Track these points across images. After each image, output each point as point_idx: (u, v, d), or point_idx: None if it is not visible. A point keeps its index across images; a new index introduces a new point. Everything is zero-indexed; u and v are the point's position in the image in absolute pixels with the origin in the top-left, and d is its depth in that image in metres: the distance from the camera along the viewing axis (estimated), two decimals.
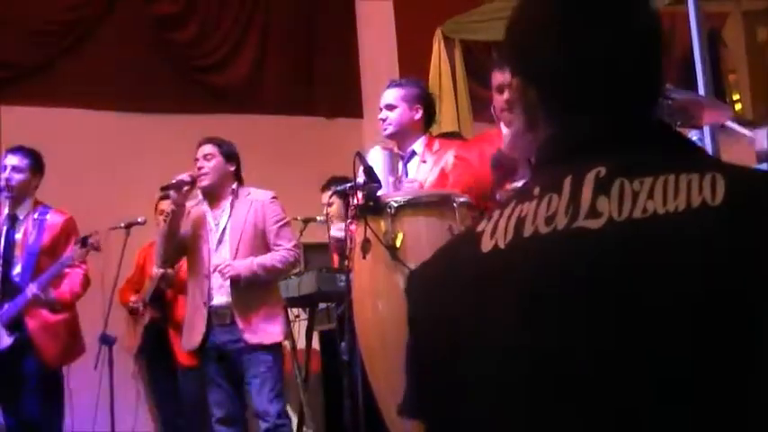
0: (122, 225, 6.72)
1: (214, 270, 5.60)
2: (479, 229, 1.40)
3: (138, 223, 6.77)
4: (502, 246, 1.34)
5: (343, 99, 8.93)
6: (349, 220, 4.69)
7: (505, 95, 4.87)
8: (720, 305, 1.19)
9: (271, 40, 9.08)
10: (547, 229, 1.31)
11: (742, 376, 1.19)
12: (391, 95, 5.28)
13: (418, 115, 5.24)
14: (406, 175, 5.14)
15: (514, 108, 1.51)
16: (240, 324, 5.53)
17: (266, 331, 5.60)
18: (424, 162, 5.13)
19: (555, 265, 1.29)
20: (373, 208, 4.37)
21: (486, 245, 1.36)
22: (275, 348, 5.67)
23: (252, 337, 5.53)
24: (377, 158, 4.98)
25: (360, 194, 4.51)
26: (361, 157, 4.63)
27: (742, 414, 1.19)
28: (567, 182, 1.33)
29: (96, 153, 7.87)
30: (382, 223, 4.30)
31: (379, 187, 4.54)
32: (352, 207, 4.61)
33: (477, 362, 1.32)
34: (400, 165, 5.18)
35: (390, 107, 5.23)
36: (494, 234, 1.36)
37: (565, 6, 1.45)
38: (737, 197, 1.24)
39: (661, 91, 1.49)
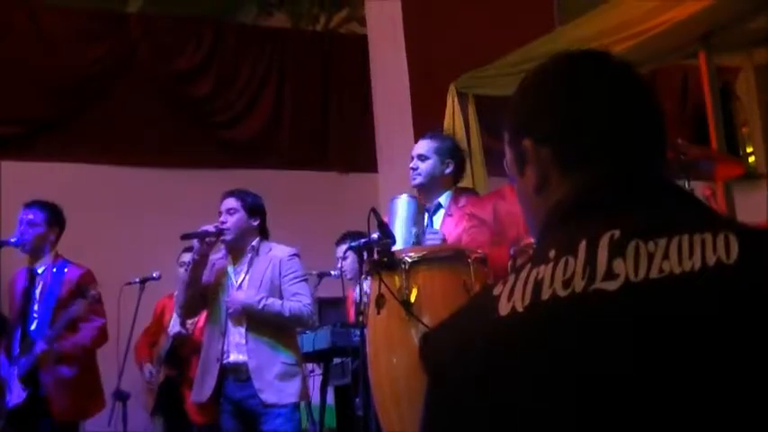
0: (137, 280, 6.70)
1: (227, 312, 5.55)
2: (496, 292, 1.38)
3: (153, 278, 6.75)
4: (520, 309, 1.33)
5: (358, 154, 8.98)
6: (363, 276, 4.66)
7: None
8: (738, 362, 1.19)
9: (286, 96, 9.14)
10: (565, 292, 1.30)
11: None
12: (425, 146, 5.30)
13: (449, 169, 5.27)
14: (432, 226, 5.13)
15: (518, 171, 1.53)
16: (256, 384, 5.45)
17: (283, 391, 5.51)
18: (450, 216, 5.14)
19: (575, 327, 1.28)
20: (388, 263, 4.35)
21: (504, 308, 1.34)
22: (291, 406, 5.56)
23: (268, 397, 5.45)
24: (402, 206, 4.97)
25: (374, 250, 4.50)
26: (375, 212, 4.62)
27: None
28: (583, 245, 1.33)
29: (113, 208, 7.89)
30: (396, 279, 4.28)
31: (394, 243, 4.52)
32: (367, 263, 4.60)
33: (497, 427, 1.30)
34: (426, 216, 5.16)
35: (422, 158, 5.25)
36: (511, 297, 1.35)
37: (576, 74, 1.50)
38: (752, 255, 1.24)
39: (666, 149, 1.50)
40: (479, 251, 4.47)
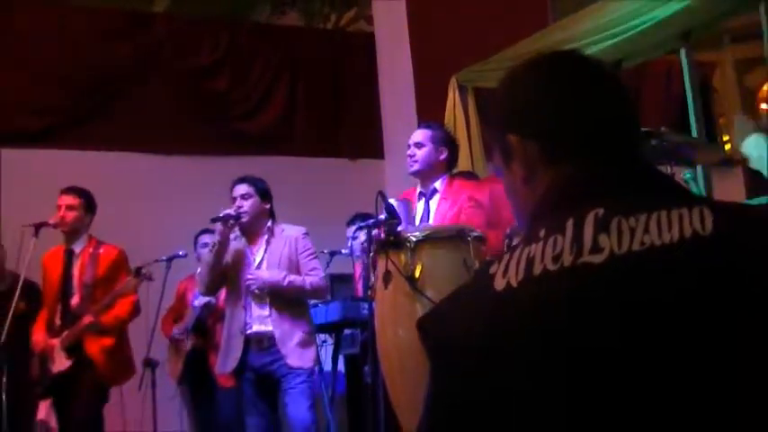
0: (164, 258, 6.71)
1: (246, 289, 5.59)
2: (492, 270, 1.39)
3: (180, 256, 6.76)
4: (514, 284, 1.34)
5: (366, 142, 8.97)
6: (372, 254, 4.66)
7: None
8: (714, 323, 1.21)
9: (298, 89, 9.15)
10: (555, 266, 1.32)
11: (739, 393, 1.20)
12: (420, 135, 5.29)
13: (443, 156, 5.26)
14: (427, 210, 5.14)
15: (505, 164, 1.53)
16: (282, 350, 5.52)
17: (302, 356, 5.58)
18: (445, 200, 5.13)
19: (564, 298, 1.29)
20: (394, 242, 4.37)
21: (500, 284, 1.36)
22: (309, 370, 5.64)
23: (293, 362, 5.53)
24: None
25: (382, 230, 4.50)
26: (383, 195, 4.63)
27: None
28: (570, 223, 1.35)
29: (140, 192, 7.89)
30: (402, 256, 4.29)
31: (400, 224, 4.53)
32: (375, 242, 4.60)
33: (496, 393, 1.31)
34: (422, 202, 5.18)
35: (419, 145, 5.25)
36: (506, 274, 1.36)
37: (557, 73, 1.51)
38: (725, 226, 1.26)
39: (641, 137, 1.53)
40: (477, 230, 4.48)
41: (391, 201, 4.96)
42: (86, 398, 6.02)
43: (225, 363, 5.71)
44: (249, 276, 5.58)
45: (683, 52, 6.42)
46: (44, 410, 6.34)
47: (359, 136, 9.03)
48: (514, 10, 7.04)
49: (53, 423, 6.39)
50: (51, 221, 6.07)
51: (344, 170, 8.88)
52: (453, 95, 7.43)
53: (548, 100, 1.49)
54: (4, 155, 8.05)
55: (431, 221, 5.07)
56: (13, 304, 6.01)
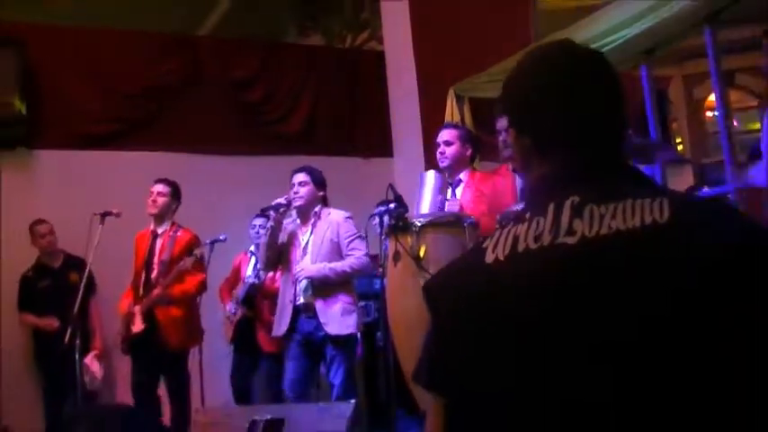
0: (207, 242, 6.69)
1: (295, 275, 5.53)
2: (484, 245, 1.43)
3: (220, 240, 6.73)
4: (501, 258, 1.38)
5: (377, 143, 8.93)
6: (384, 236, 4.61)
7: (502, 137, 4.92)
8: (668, 297, 1.22)
9: (321, 98, 9.12)
10: (535, 245, 1.36)
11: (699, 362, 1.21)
12: (449, 134, 5.22)
13: (468, 152, 5.19)
14: (455, 196, 5.05)
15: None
16: (321, 318, 5.42)
17: (343, 323, 5.46)
18: (469, 188, 5.06)
19: (542, 272, 1.32)
20: (402, 227, 4.34)
21: (490, 257, 1.40)
22: (350, 337, 5.54)
23: (331, 329, 5.41)
24: (431, 179, 4.93)
25: (392, 216, 4.45)
26: (392, 187, 4.58)
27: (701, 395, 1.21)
28: (551, 208, 1.38)
29: (189, 187, 7.87)
30: (409, 239, 4.28)
31: (406, 211, 4.48)
32: (386, 226, 4.55)
33: (486, 348, 1.35)
34: (449, 189, 5.11)
35: (448, 143, 5.16)
36: (495, 249, 1.40)
37: (551, 72, 1.48)
38: (680, 215, 1.28)
39: (625, 135, 1.50)
40: (472, 217, 4.43)
41: (431, 173, 4.95)
42: (166, 372, 6.19)
43: (278, 328, 5.63)
44: (297, 269, 5.51)
45: (643, 68, 6.38)
46: (90, 357, 6.76)
47: (371, 138, 8.99)
48: (503, 29, 6.99)
49: (95, 368, 6.84)
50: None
51: (359, 167, 8.84)
52: (451, 104, 7.43)
53: (539, 99, 1.47)
54: (77, 156, 8.03)
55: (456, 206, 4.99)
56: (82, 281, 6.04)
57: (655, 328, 1.22)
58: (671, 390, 1.20)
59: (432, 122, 6.55)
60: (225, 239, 6.78)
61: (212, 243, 6.72)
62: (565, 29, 5.98)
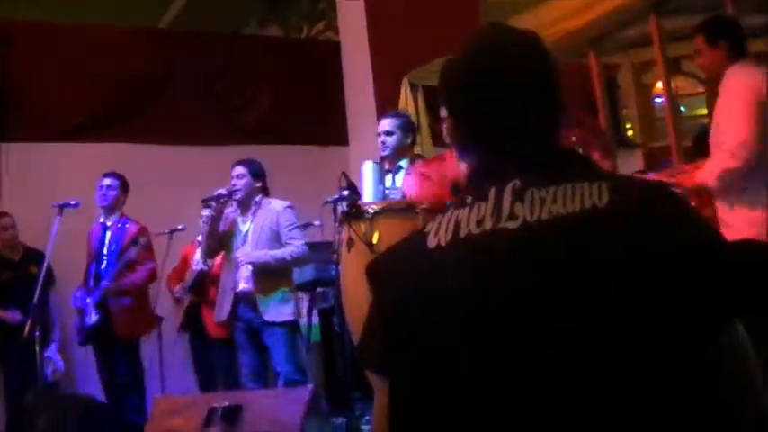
0: (166, 231, 6.65)
1: (233, 260, 5.59)
2: (427, 229, 1.41)
3: (179, 230, 6.70)
4: (443, 243, 1.36)
5: (334, 132, 8.93)
6: (337, 224, 4.60)
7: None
8: (605, 278, 1.22)
9: (280, 89, 9.09)
10: (477, 229, 1.34)
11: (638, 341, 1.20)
12: (389, 124, 5.25)
13: (409, 140, 5.24)
14: (394, 184, 5.09)
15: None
16: (260, 306, 5.49)
17: (279, 311, 5.53)
18: (409, 175, 5.05)
19: (484, 257, 1.31)
20: (355, 214, 4.32)
21: (432, 242, 1.38)
22: (289, 324, 5.59)
23: (269, 316, 5.49)
24: (369, 170, 4.97)
25: (345, 204, 4.44)
26: (345, 175, 4.57)
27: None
28: (492, 193, 1.35)
29: (154, 177, 7.82)
30: (362, 225, 4.26)
31: (360, 198, 4.47)
32: (340, 213, 4.54)
33: (429, 333, 1.33)
34: (389, 176, 5.15)
35: (389, 133, 5.19)
36: (437, 234, 1.38)
37: (485, 57, 1.44)
38: (618, 200, 1.27)
39: (561, 118, 1.46)
40: (426, 203, 4.43)
41: (368, 164, 4.98)
42: (120, 362, 6.18)
43: (219, 313, 5.71)
44: (239, 255, 5.56)
45: (592, 56, 6.42)
46: (51, 349, 6.76)
47: (328, 127, 9.00)
48: (454, 18, 6.98)
49: (58, 360, 6.81)
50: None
51: (316, 155, 8.81)
52: (405, 92, 7.45)
53: (472, 85, 1.44)
54: (40, 149, 7.96)
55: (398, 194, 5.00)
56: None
57: (599, 313, 1.21)
58: (617, 376, 1.19)
59: (387, 111, 6.54)
60: (184, 229, 6.76)
61: (171, 233, 6.69)
62: (513, 17, 6.00)
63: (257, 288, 5.53)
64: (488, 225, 1.33)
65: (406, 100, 7.40)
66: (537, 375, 1.22)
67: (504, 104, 1.41)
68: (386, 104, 7.49)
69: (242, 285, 5.56)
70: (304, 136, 8.95)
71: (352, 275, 4.38)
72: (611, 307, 1.21)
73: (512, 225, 1.31)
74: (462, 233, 1.34)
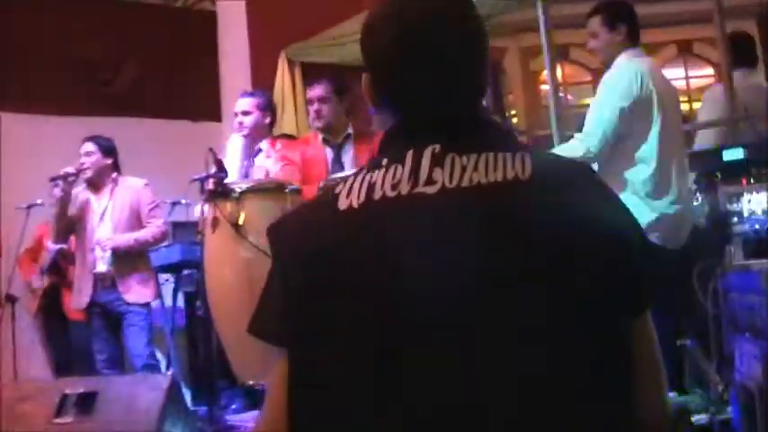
0: (24, 206, 6.43)
1: (96, 244, 5.47)
2: (337, 190, 1.35)
3: (38, 204, 6.48)
4: (355, 205, 1.31)
5: (206, 106, 8.70)
6: (202, 202, 4.49)
7: (315, 106, 4.95)
8: (525, 249, 1.23)
9: (151, 59, 8.92)
10: (393, 193, 1.30)
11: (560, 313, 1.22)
12: (247, 103, 5.15)
13: (268, 120, 5.16)
14: (252, 166, 5.03)
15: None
16: (120, 287, 5.43)
17: (140, 293, 5.50)
18: (269, 157, 4.99)
19: (399, 223, 1.28)
20: (221, 192, 4.23)
21: (343, 204, 1.32)
22: (147, 306, 5.57)
23: (129, 297, 5.44)
24: (237, 144, 4.96)
25: (211, 182, 4.35)
26: (212, 152, 4.46)
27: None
28: (410, 155, 1.32)
29: (12, 147, 7.55)
30: (228, 205, 4.18)
31: (226, 176, 4.38)
32: (205, 191, 4.43)
33: (333, 300, 1.28)
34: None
35: (246, 113, 5.10)
36: (349, 195, 1.32)
37: (409, 17, 1.37)
38: (541, 172, 1.28)
39: (485, 86, 1.44)
40: (294, 184, 4.39)
41: (236, 137, 4.96)
42: None
43: (78, 300, 5.60)
44: (102, 239, 5.46)
45: None
46: None
47: (201, 101, 8.79)
48: None
49: None
50: None
51: (187, 130, 8.63)
52: (283, 68, 7.37)
53: (396, 44, 1.37)
54: None
55: (256, 176, 4.94)
56: None
57: (520, 281, 1.21)
58: (534, 345, 1.20)
59: (263, 87, 6.44)
60: (42, 204, 6.53)
61: (29, 207, 6.48)
62: None
63: (116, 268, 5.45)
64: (405, 189, 1.29)
65: (283, 75, 7.31)
66: (452, 344, 1.21)
67: (428, 66, 1.36)
68: (262, 80, 7.38)
69: (100, 266, 5.47)
70: (175, 109, 8.78)
71: (215, 258, 4.30)
72: (532, 275, 1.22)
73: (430, 190, 1.28)
74: (376, 196, 1.30)
